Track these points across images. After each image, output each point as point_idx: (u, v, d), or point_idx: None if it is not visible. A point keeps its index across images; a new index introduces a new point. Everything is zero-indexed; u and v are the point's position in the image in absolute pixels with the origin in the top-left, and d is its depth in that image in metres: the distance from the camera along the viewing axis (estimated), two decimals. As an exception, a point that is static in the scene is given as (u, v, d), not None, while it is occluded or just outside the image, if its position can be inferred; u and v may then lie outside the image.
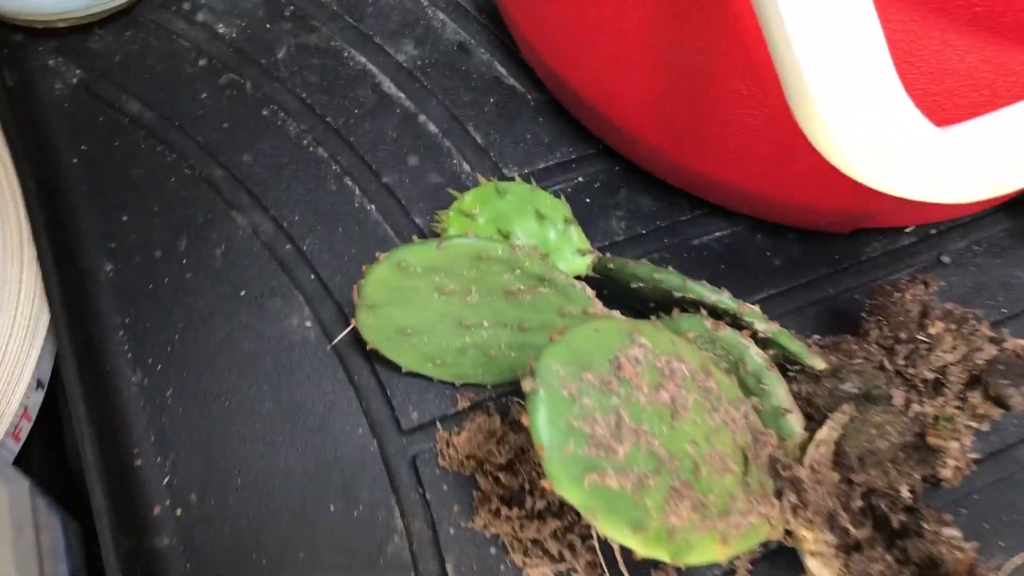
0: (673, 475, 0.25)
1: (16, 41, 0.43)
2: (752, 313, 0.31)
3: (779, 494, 0.28)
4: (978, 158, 0.24)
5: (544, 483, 0.24)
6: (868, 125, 0.23)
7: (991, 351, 0.31)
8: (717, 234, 0.39)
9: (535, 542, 0.32)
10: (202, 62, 0.43)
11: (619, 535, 0.24)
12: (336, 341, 0.35)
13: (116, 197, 0.39)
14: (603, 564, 0.32)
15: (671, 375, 0.26)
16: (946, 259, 0.39)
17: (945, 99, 0.28)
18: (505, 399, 0.35)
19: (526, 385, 0.24)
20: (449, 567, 0.32)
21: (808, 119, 0.23)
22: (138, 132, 0.40)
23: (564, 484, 0.24)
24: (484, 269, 0.31)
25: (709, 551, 0.25)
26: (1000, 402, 0.31)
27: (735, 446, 0.27)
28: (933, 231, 0.40)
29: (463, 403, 0.35)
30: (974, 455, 0.33)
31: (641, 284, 0.33)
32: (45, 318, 0.37)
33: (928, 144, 0.23)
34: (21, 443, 0.35)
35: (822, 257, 0.38)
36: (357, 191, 0.39)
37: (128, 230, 0.38)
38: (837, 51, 0.22)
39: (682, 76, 0.32)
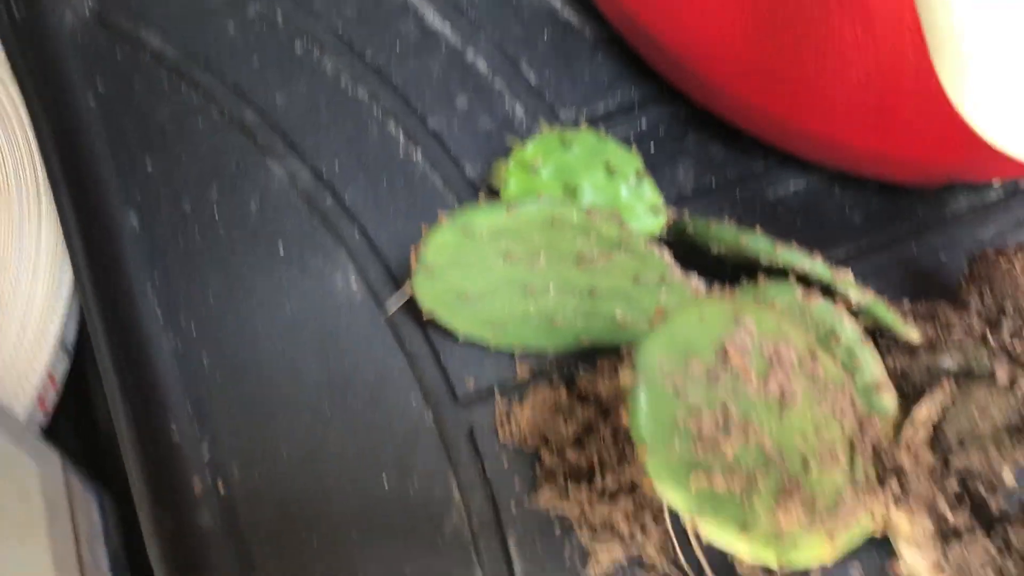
0: (783, 473, 0.23)
1: (20, -35, 0.39)
2: (846, 281, 0.29)
3: (881, 481, 0.26)
4: None
5: (645, 483, 0.22)
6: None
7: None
8: (792, 187, 0.36)
9: (605, 522, 0.30)
10: (226, -10, 0.39)
11: (726, 538, 0.22)
12: (393, 310, 0.32)
13: (139, 143, 0.35)
14: (676, 545, 0.30)
15: (779, 362, 0.23)
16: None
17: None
18: (569, 368, 0.32)
19: (626, 378, 0.22)
20: (511, 545, 0.31)
21: (955, 80, 0.20)
22: (160, 70, 0.37)
23: (669, 486, 0.21)
24: (556, 234, 0.28)
25: (816, 550, 0.23)
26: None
27: (843, 436, 0.25)
28: (1023, 185, 0.37)
29: (523, 373, 0.32)
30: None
31: (723, 248, 0.30)
32: (68, 276, 0.34)
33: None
34: (50, 414, 0.33)
35: (905, 213, 0.36)
36: (402, 137, 0.36)
37: (154, 180, 0.35)
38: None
39: (774, 12, 0.29)
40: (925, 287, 0.34)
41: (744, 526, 0.22)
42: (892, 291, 0.34)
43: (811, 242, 0.33)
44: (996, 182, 0.37)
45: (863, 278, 0.33)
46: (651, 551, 0.30)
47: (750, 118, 0.33)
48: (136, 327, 0.32)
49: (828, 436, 0.24)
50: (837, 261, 0.34)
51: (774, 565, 0.23)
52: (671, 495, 0.21)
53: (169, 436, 0.31)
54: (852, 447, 0.25)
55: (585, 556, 0.30)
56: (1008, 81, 0.20)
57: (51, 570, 0.25)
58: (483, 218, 0.27)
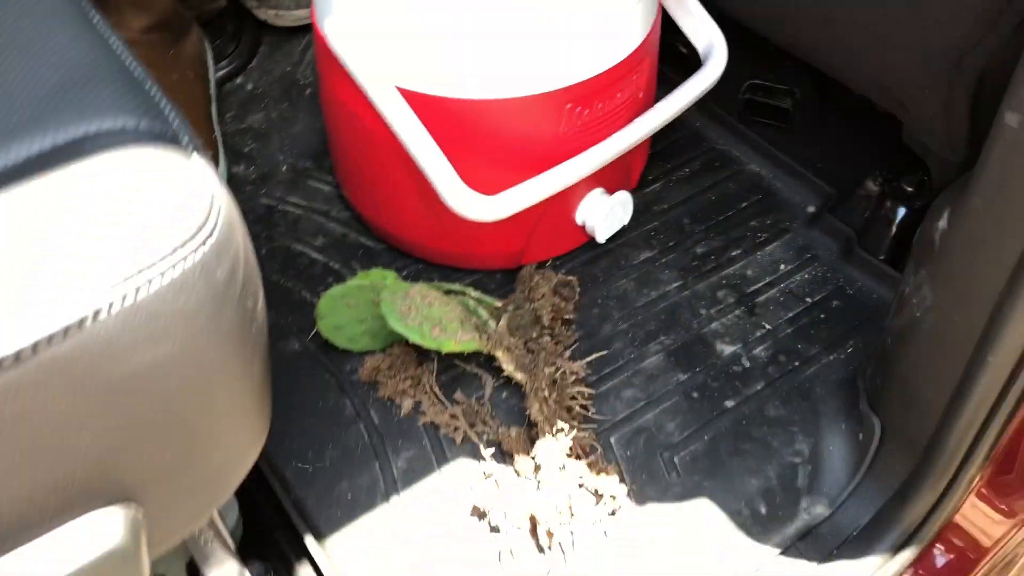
0: (434, 321, 0.75)
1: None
2: (472, 289, 0.83)
3: (482, 334, 0.78)
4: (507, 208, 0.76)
5: (389, 323, 0.74)
6: (445, 191, 0.75)
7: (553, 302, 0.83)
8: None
9: (403, 392, 0.80)
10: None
11: (415, 338, 0.74)
12: (309, 336, 0.84)
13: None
14: (433, 388, 0.80)
15: (428, 296, 0.76)
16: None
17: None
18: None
19: (388, 318, 0.74)
20: (372, 412, 0.80)
21: (442, 199, 0.76)
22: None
23: (396, 324, 0.73)
24: (367, 294, 0.81)
25: (450, 345, 0.75)
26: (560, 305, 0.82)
27: (457, 316, 0.77)
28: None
29: (366, 360, 0.83)
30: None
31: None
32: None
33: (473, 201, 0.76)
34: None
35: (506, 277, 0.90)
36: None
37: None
38: (432, 163, 0.75)
39: (389, 185, 0.85)
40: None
41: (423, 336, 0.74)
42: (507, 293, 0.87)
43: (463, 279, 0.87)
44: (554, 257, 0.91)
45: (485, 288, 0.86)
46: (422, 398, 0.80)
47: (405, 244, 0.88)
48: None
49: (451, 314, 0.76)
50: (472, 283, 0.88)
51: (430, 345, 0.74)
52: (396, 326, 0.73)
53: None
54: (462, 320, 0.77)
55: (398, 407, 0.79)
56: (445, 190, 0.76)
57: None
58: (337, 289, 0.80)
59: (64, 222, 0.36)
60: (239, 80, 1.11)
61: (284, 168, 1.02)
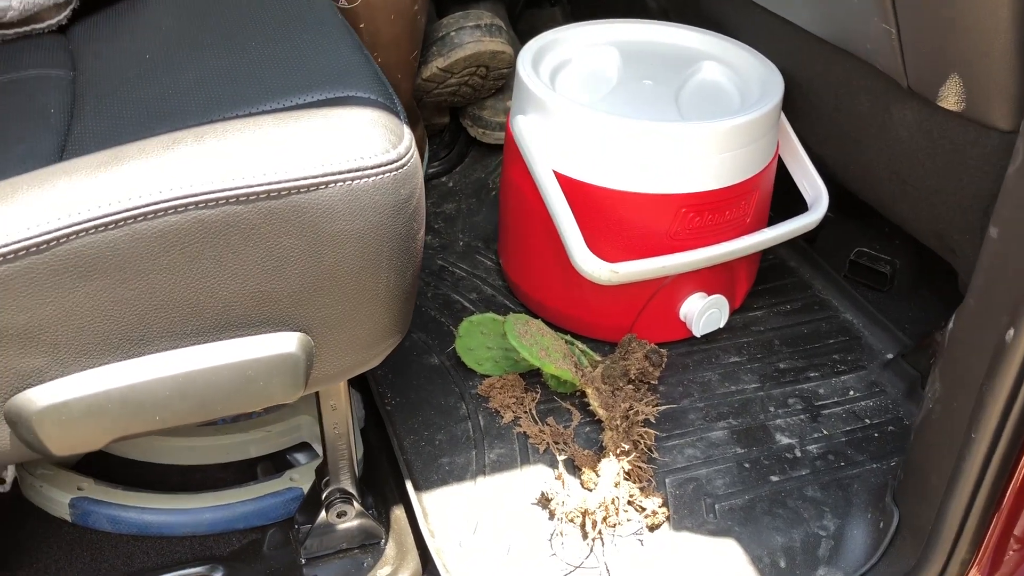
0: (543, 347, 0.95)
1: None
2: (580, 344, 1.03)
3: (578, 371, 0.97)
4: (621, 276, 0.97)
5: (513, 345, 0.95)
6: (574, 250, 0.97)
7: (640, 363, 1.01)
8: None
9: (504, 404, 0.99)
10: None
11: (524, 354, 0.94)
12: (447, 351, 1.06)
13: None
14: (533, 412, 0.99)
15: (544, 330, 0.97)
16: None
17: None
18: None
19: (508, 334, 0.96)
20: (479, 416, 0.99)
21: (571, 258, 0.98)
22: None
23: (513, 339, 0.94)
24: (497, 328, 1.03)
25: (550, 368, 0.95)
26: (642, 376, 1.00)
27: (563, 351, 0.97)
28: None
29: (485, 381, 1.04)
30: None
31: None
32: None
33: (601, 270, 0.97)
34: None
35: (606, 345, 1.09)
36: (454, 328, 1.12)
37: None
38: (567, 228, 0.97)
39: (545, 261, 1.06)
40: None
41: (532, 356, 0.94)
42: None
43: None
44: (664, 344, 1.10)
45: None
46: (521, 415, 0.99)
47: (547, 313, 1.09)
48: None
49: (560, 349, 0.96)
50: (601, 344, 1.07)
51: (534, 362, 0.94)
52: (517, 346, 0.94)
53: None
54: (566, 356, 0.97)
55: (500, 417, 0.99)
56: (578, 258, 0.98)
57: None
58: (476, 317, 1.03)
59: (325, 131, 0.61)
60: (444, 179, 1.41)
61: (461, 243, 1.27)
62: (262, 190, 0.58)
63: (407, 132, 0.65)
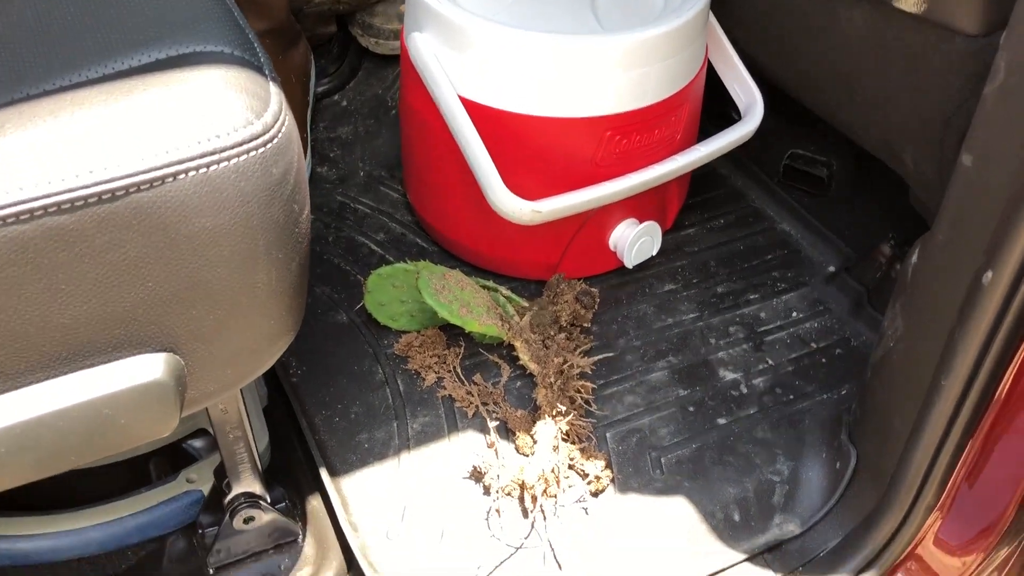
0: (463, 302, 0.85)
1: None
2: (504, 288, 0.92)
3: (504, 323, 0.87)
4: (544, 215, 0.87)
5: (424, 300, 0.84)
6: (489, 189, 0.85)
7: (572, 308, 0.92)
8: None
9: (428, 367, 0.89)
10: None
11: (444, 313, 0.84)
12: (356, 308, 0.94)
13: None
14: (456, 369, 0.89)
15: (462, 281, 0.86)
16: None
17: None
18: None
19: (423, 292, 0.85)
20: (399, 380, 0.89)
21: (488, 197, 0.86)
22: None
23: (429, 298, 0.83)
24: (410, 279, 0.92)
25: (473, 325, 0.85)
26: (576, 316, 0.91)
27: (485, 304, 0.87)
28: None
29: (402, 337, 0.93)
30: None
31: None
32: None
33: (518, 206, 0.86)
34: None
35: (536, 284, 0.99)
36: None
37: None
38: (480, 164, 0.85)
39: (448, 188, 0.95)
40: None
41: (452, 314, 0.84)
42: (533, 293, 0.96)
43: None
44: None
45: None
46: (445, 375, 0.89)
47: (450, 244, 0.99)
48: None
49: (476, 300, 0.86)
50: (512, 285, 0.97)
51: (455, 322, 0.84)
52: (432, 302, 0.83)
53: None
54: (488, 306, 0.87)
55: (422, 380, 0.89)
56: (490, 192, 0.87)
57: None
58: (385, 269, 0.91)
59: (168, 105, 0.48)
60: (336, 97, 1.25)
61: (361, 174, 1.14)
62: (89, 193, 0.45)
63: (274, 91, 0.51)
